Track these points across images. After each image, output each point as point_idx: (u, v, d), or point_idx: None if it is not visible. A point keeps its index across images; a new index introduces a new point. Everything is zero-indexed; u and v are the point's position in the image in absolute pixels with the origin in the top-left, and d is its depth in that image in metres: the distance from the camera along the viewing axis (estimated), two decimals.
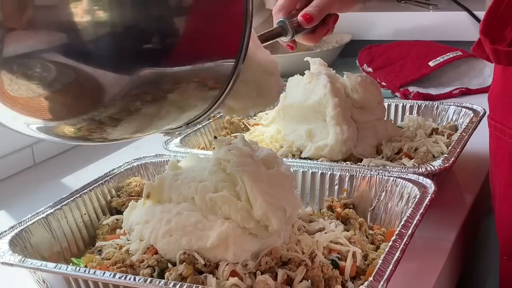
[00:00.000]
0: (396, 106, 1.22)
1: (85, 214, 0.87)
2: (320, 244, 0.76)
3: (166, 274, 0.71)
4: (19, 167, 1.21)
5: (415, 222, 0.75)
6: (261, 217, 0.73)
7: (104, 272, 0.69)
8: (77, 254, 0.84)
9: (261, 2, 1.87)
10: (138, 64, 0.59)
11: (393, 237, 0.72)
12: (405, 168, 0.93)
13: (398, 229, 0.73)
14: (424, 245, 0.87)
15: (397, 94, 1.50)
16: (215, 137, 0.84)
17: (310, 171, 0.93)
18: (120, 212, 0.89)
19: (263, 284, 0.69)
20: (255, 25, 1.77)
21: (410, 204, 0.81)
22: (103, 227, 0.87)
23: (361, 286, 0.64)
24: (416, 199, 0.81)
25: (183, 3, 0.61)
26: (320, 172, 0.92)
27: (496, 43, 0.81)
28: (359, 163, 0.97)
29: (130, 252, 0.77)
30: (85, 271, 0.70)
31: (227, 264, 0.71)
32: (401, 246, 0.70)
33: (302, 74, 1.12)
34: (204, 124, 1.15)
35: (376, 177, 0.89)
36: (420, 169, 0.90)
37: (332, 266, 0.73)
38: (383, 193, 0.88)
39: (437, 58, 1.56)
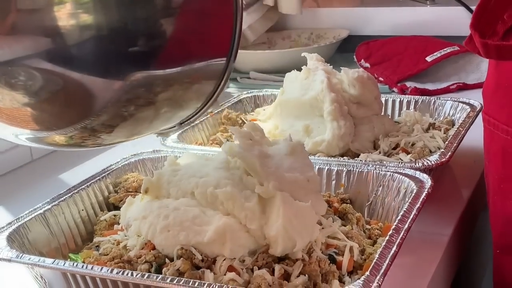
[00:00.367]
0: (393, 101, 1.22)
1: (82, 210, 0.88)
2: (317, 239, 0.76)
3: (164, 269, 0.71)
4: (17, 163, 1.21)
5: (411, 216, 0.75)
6: (271, 236, 0.72)
7: (102, 268, 0.69)
8: (74, 250, 0.84)
9: None
10: (127, 67, 0.57)
11: (390, 232, 0.72)
12: (402, 163, 0.93)
13: (395, 223, 0.74)
14: (421, 239, 0.87)
15: (394, 89, 1.50)
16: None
17: None
18: (117, 208, 0.89)
19: (260, 279, 0.69)
20: (252, 21, 1.78)
21: (407, 199, 0.81)
22: (100, 223, 0.87)
23: (357, 281, 0.64)
24: (413, 194, 0.81)
25: (171, 3, 0.59)
26: (317, 167, 0.92)
27: (486, 37, 0.81)
28: (356, 158, 0.97)
29: (127, 247, 0.77)
30: (82, 266, 0.70)
31: (225, 260, 0.71)
32: (398, 241, 0.70)
33: (299, 69, 1.12)
34: (201, 119, 1.15)
35: (373, 172, 0.89)
36: (417, 164, 0.90)
37: (329, 261, 0.73)
38: (380, 188, 0.88)
39: (435, 53, 1.55)
